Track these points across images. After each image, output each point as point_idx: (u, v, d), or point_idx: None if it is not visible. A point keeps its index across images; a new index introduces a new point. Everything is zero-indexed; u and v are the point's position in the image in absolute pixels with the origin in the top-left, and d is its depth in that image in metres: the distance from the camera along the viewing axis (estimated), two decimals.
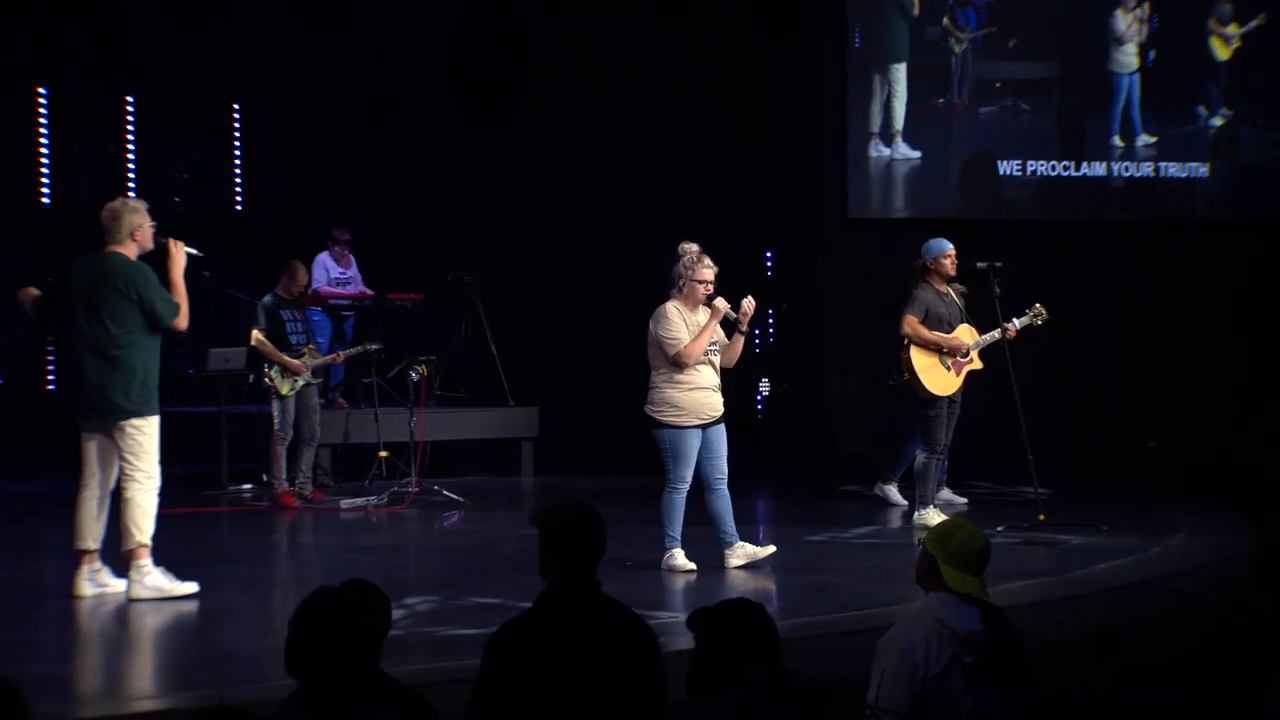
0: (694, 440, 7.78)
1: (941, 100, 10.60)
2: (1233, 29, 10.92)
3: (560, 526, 4.25)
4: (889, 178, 10.66)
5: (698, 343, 7.69)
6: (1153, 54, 11.12)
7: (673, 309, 7.76)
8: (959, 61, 10.62)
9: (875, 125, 10.67)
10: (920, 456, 9.40)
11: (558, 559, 4.21)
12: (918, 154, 10.66)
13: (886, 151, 10.58)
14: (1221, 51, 11.08)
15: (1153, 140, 11.49)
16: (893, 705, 4.19)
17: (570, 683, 4.05)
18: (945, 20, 10.27)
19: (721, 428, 7.92)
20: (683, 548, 7.81)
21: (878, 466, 10.43)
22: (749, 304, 7.83)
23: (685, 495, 7.82)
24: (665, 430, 7.77)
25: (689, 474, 7.79)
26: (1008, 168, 11.59)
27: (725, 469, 7.91)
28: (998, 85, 10.72)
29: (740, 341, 7.90)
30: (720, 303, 7.77)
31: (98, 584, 7.16)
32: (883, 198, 10.97)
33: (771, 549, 8.05)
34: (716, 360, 7.84)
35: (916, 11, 10.30)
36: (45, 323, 9.60)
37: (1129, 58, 10.99)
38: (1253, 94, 11.50)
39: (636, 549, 7.75)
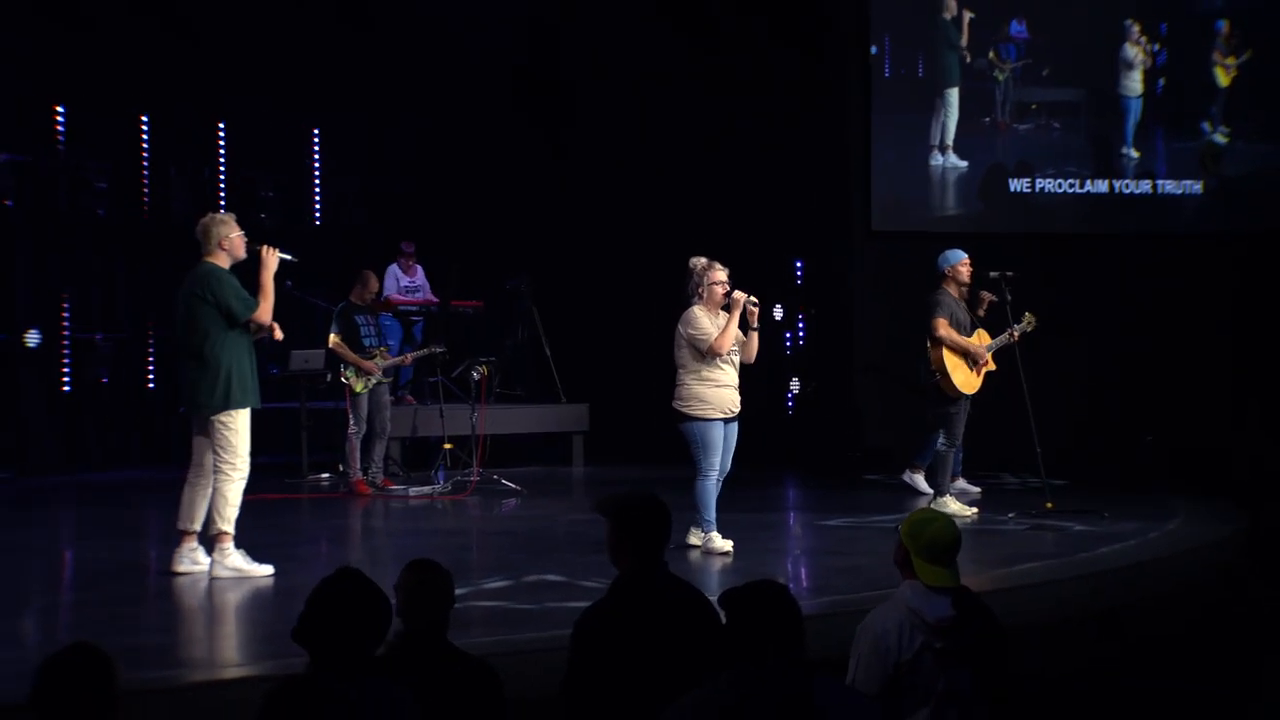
0: (719, 431, 7.81)
1: (987, 119, 11.33)
2: (1230, 60, 11.48)
3: (633, 516, 4.25)
4: (944, 182, 11.27)
5: (726, 335, 7.71)
6: (1162, 81, 11.66)
7: (698, 310, 7.81)
8: (1002, 87, 11.32)
9: (935, 139, 11.24)
10: (940, 450, 9.37)
11: (632, 545, 4.22)
12: (965, 164, 11.28)
13: (941, 160, 11.19)
14: (1223, 79, 11.61)
15: (1152, 157, 11.96)
16: (865, 688, 4.14)
17: (651, 655, 4.05)
18: (990, 53, 11.06)
19: (736, 425, 7.93)
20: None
21: (903, 456, 10.37)
22: (744, 299, 7.77)
23: (716, 481, 7.81)
24: (694, 423, 7.79)
25: (718, 461, 7.81)
26: (1018, 185, 11.97)
27: (729, 462, 7.92)
28: (1033, 107, 11.46)
29: (755, 338, 7.90)
30: (739, 294, 7.78)
31: (194, 562, 7.22)
32: (940, 198, 11.49)
33: (730, 544, 7.82)
34: (737, 360, 7.86)
35: (965, 42, 10.96)
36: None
37: (1135, 83, 11.55)
38: (1247, 114, 11.93)
39: (680, 533, 7.73)
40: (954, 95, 11.26)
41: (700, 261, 7.95)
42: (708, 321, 7.77)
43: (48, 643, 6.29)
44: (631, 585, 4.21)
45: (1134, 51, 11.41)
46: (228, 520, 7.14)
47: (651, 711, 3.85)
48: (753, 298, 7.85)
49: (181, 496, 7.26)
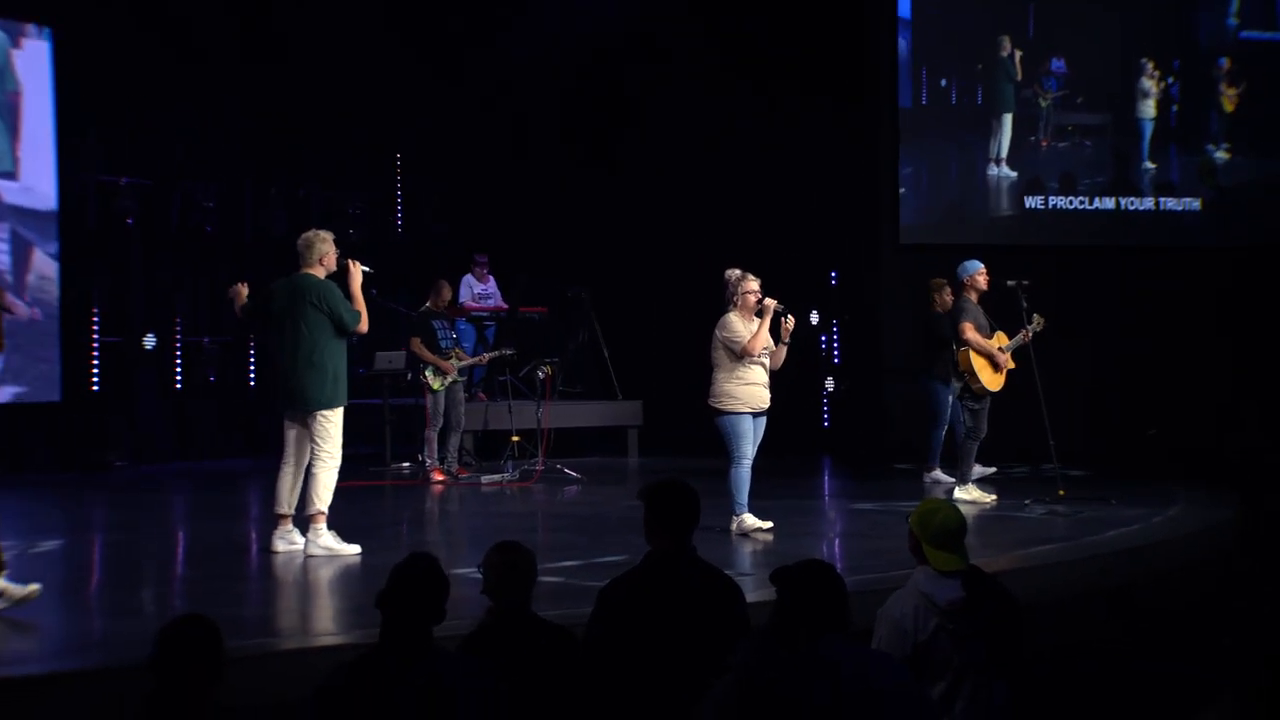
0: (749, 424, 7.79)
1: (1033, 138, 11.94)
2: (1231, 91, 12.11)
3: (664, 500, 4.23)
4: (999, 189, 11.89)
5: (757, 338, 7.71)
6: (1175, 107, 12.23)
7: (733, 316, 7.81)
8: (1045, 113, 11.93)
9: (992, 154, 11.79)
10: (964, 442, 9.29)
11: (661, 527, 4.21)
12: (1015, 174, 11.88)
13: (996, 171, 11.83)
14: (1228, 106, 12.22)
15: (1165, 170, 12.43)
16: None
17: (669, 627, 4.02)
18: (1035, 85, 11.79)
19: (764, 419, 7.90)
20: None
21: (922, 454, 10.33)
22: (774, 305, 7.79)
23: (748, 469, 7.79)
24: (726, 417, 7.78)
25: (749, 450, 7.78)
26: (1032, 202, 12.17)
27: (755, 452, 7.87)
28: (1069, 128, 12.06)
29: (783, 350, 7.88)
30: (770, 301, 7.79)
31: (289, 542, 7.26)
32: (995, 203, 11.98)
33: (770, 524, 7.82)
34: (767, 362, 7.83)
35: (1019, 77, 11.72)
36: (249, 325, 9.69)
37: (1150, 109, 12.13)
38: (1245, 134, 12.33)
39: (724, 518, 7.73)
40: (1008, 119, 11.85)
41: (735, 273, 7.95)
42: (741, 326, 7.77)
43: (162, 613, 6.36)
44: (659, 561, 4.19)
45: (1149, 84, 12.10)
46: (323, 501, 7.20)
47: (663, 675, 3.85)
48: (788, 314, 7.82)
49: (276, 484, 7.32)
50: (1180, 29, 12.13)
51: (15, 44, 11.28)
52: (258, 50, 12.22)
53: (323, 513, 7.21)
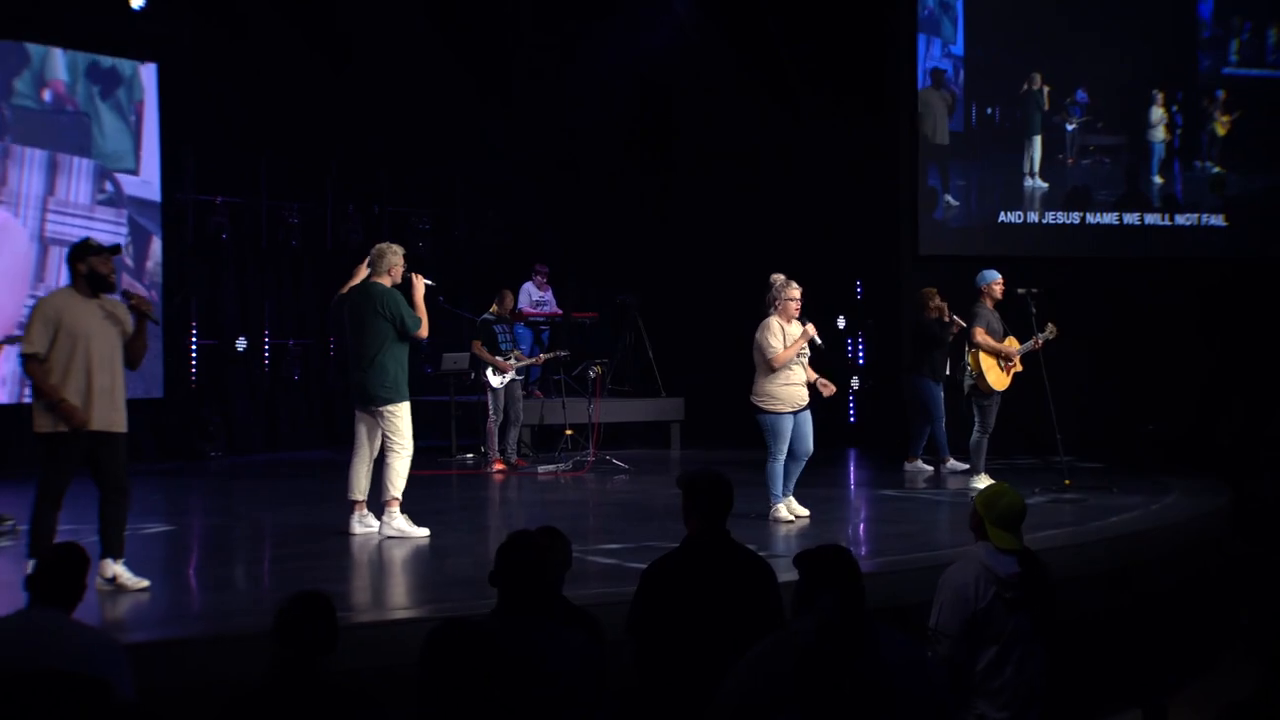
0: (788, 422, 7.70)
1: (1060, 156, 12.30)
2: (1225, 118, 12.45)
3: (700, 488, 4.23)
4: (1034, 198, 12.27)
5: (788, 351, 7.64)
6: (1179, 132, 12.53)
7: (774, 322, 7.73)
8: (1071, 135, 12.29)
9: (1026, 169, 12.22)
10: (975, 436, 9.25)
11: (697, 512, 4.21)
12: (1046, 185, 12.25)
13: (1031, 183, 12.24)
14: (1221, 130, 12.49)
15: (1171, 185, 12.66)
16: (948, 629, 4.19)
17: (705, 603, 4.02)
18: (1063, 112, 12.26)
19: (807, 413, 7.82)
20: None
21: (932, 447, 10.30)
22: (810, 333, 7.77)
23: (784, 462, 7.74)
24: (766, 415, 7.71)
25: (785, 447, 7.72)
26: (1055, 216, 12.42)
27: (809, 446, 7.82)
28: (1091, 148, 12.40)
29: (811, 373, 7.83)
30: (810, 328, 7.75)
31: (365, 525, 7.33)
32: (1030, 209, 12.34)
33: (807, 512, 7.82)
34: (804, 360, 7.78)
35: (1047, 107, 12.15)
36: (332, 327, 9.72)
37: (1160, 133, 12.46)
38: (1235, 155, 12.59)
39: (761, 504, 7.73)
40: (1037, 140, 12.27)
41: (779, 278, 7.87)
42: (780, 332, 7.69)
43: (253, 589, 6.50)
44: (696, 544, 4.19)
45: (1159, 112, 12.44)
46: (396, 488, 7.26)
47: (699, 647, 3.85)
48: (818, 339, 7.79)
49: (350, 473, 7.39)
50: (1183, 65, 12.43)
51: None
52: (338, 83, 12.30)
53: (396, 499, 7.28)
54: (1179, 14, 12.34)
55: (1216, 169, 12.53)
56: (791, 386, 7.72)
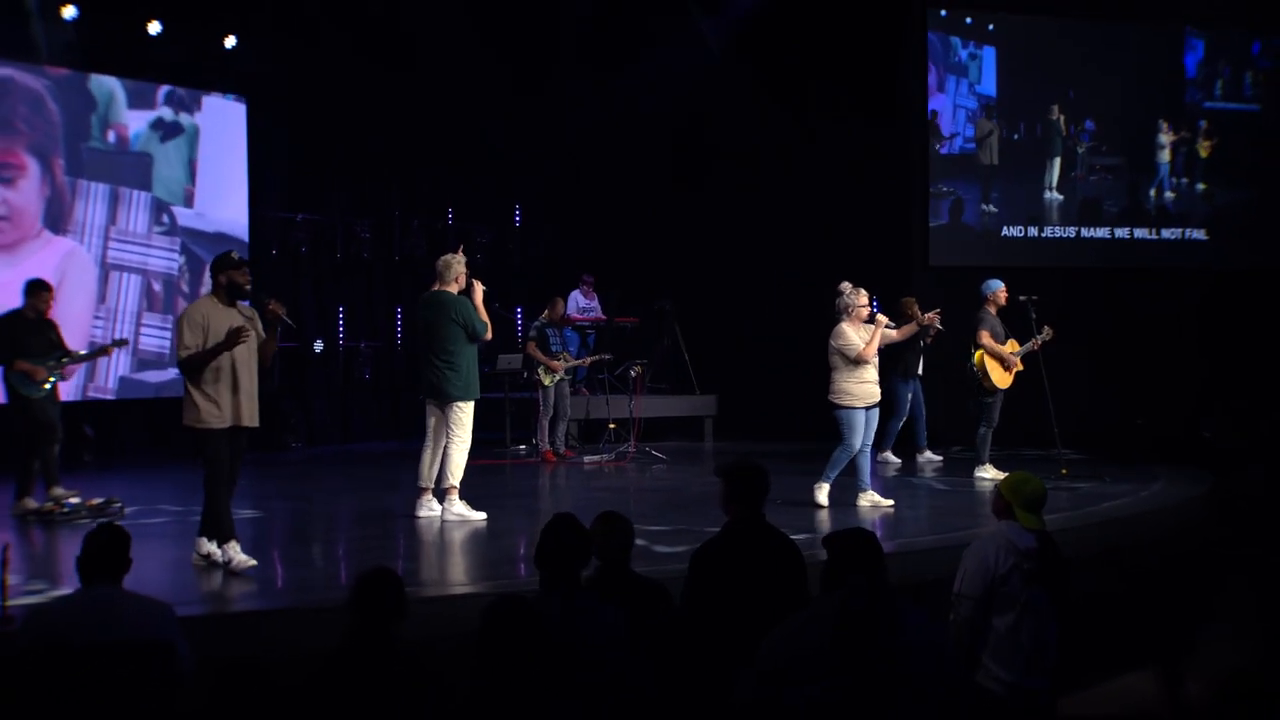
0: (862, 416, 7.68)
1: (1073, 174, 12.59)
2: (1206, 143, 12.74)
3: (740, 477, 4.24)
4: (1052, 209, 12.57)
5: (870, 346, 7.64)
6: (1170, 156, 12.81)
7: (847, 327, 7.70)
8: (1081, 156, 12.59)
9: (1047, 184, 12.52)
10: (980, 430, 9.24)
11: (737, 499, 4.23)
12: (1061, 196, 12.54)
13: (1049, 195, 12.52)
14: (1204, 153, 12.75)
15: (1172, 199, 12.88)
16: (971, 593, 4.20)
17: (746, 581, 4.06)
18: (1075, 139, 12.60)
19: (876, 410, 7.84)
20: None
21: (948, 436, 10.26)
22: (884, 321, 7.83)
23: (851, 454, 7.69)
24: (843, 410, 7.68)
25: (858, 440, 7.69)
26: (1066, 231, 12.57)
27: (872, 437, 7.83)
28: (1098, 167, 12.67)
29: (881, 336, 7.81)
30: (881, 317, 7.75)
31: (429, 509, 7.39)
32: (1046, 217, 12.61)
33: (891, 502, 7.86)
34: (876, 362, 7.79)
35: (1065, 134, 12.53)
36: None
37: (1165, 155, 12.75)
38: (1216, 175, 12.84)
39: (787, 491, 7.68)
40: (1057, 161, 12.55)
41: (847, 286, 7.82)
42: (854, 334, 7.67)
43: (329, 567, 6.59)
44: (736, 528, 4.21)
45: (1166, 138, 12.77)
46: (456, 477, 7.32)
47: (744, 616, 3.86)
48: (880, 317, 7.85)
49: (420, 462, 7.46)
50: (1173, 99, 12.74)
51: (199, 107, 11.63)
52: (405, 113, 12.40)
53: (455, 486, 7.34)
54: (1171, 59, 12.79)
55: (1202, 185, 12.75)
56: (866, 385, 7.70)
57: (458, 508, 7.34)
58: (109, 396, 10.98)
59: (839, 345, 7.68)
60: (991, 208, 12.40)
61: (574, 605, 3.58)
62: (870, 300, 7.93)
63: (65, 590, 4.87)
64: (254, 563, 5.90)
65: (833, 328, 7.79)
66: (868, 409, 7.72)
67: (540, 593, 3.65)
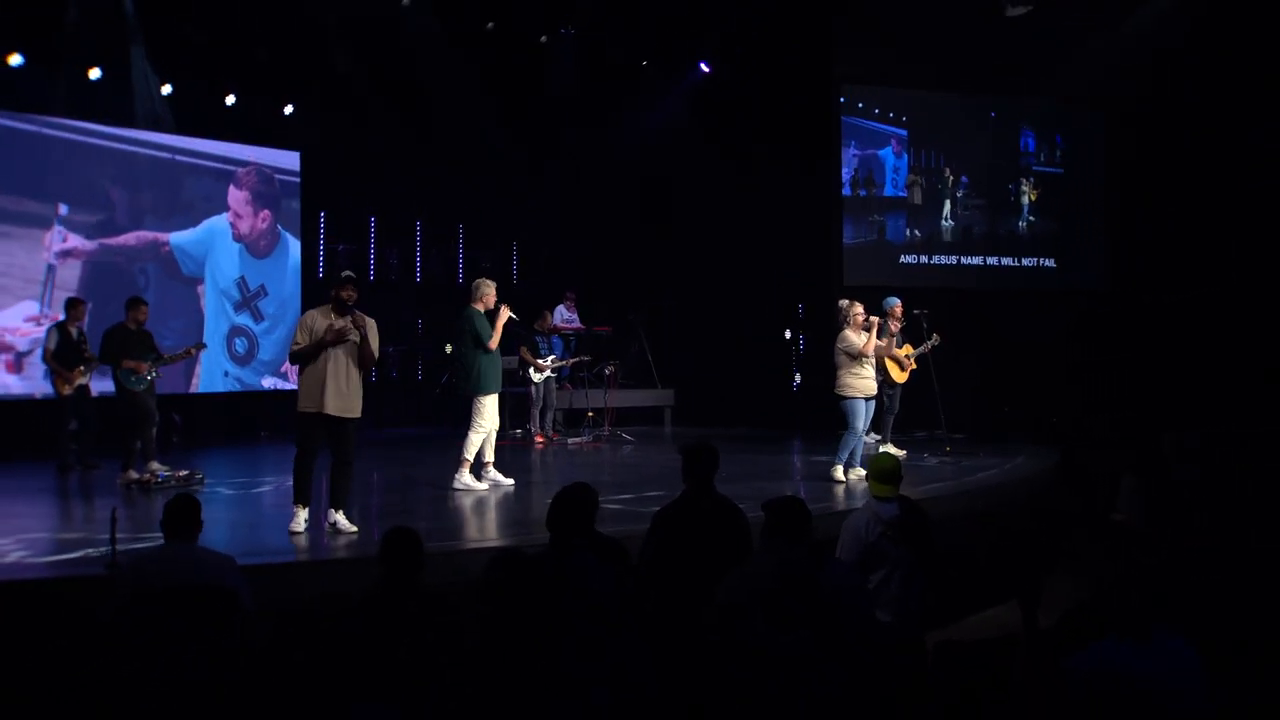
0: (862, 405, 7.45)
1: (953, 212, 12.62)
2: (1034, 193, 12.97)
3: (692, 454, 4.22)
4: (945, 235, 12.58)
5: (870, 344, 7.46)
6: (1036, 195, 13.02)
7: (849, 332, 7.53)
8: (959, 201, 12.66)
9: (942, 219, 12.59)
10: (885, 417, 9.27)
11: (692, 472, 4.21)
12: (952, 223, 12.63)
13: (945, 224, 12.59)
14: (1031, 198, 13.00)
15: (1028, 233, 12.98)
16: (848, 557, 4.24)
17: (699, 539, 4.04)
18: (955, 189, 12.65)
19: (873, 401, 7.60)
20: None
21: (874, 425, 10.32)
22: (878, 321, 7.64)
23: (856, 437, 7.46)
24: (846, 400, 7.45)
25: (861, 425, 7.48)
26: (944, 258, 12.58)
27: (867, 424, 7.63)
28: (969, 209, 12.71)
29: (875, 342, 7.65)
30: (874, 319, 7.64)
31: (462, 483, 7.34)
32: (936, 249, 12.56)
33: (863, 471, 7.47)
34: (873, 360, 7.60)
35: (951, 185, 12.50)
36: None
37: (1026, 199, 12.92)
38: (1039, 214, 13.01)
39: (734, 467, 7.59)
40: (948, 204, 12.54)
41: (844, 302, 7.68)
42: (855, 337, 7.49)
43: (365, 527, 6.46)
44: (691, 496, 4.20)
45: (1026, 188, 12.93)
46: (469, 455, 7.32)
47: (693, 572, 3.85)
48: (873, 318, 7.69)
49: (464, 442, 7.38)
50: (1013, 161, 12.94)
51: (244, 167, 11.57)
52: (424, 160, 12.40)
53: (467, 460, 7.33)
54: (1011, 139, 12.97)
55: (1031, 218, 13.09)
56: (867, 379, 7.50)
57: (465, 479, 7.32)
58: (194, 391, 10.92)
59: (843, 346, 7.47)
60: (895, 239, 12.42)
61: (574, 560, 3.56)
62: (865, 311, 7.74)
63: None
64: (352, 529, 5.78)
65: (836, 335, 7.62)
66: (867, 400, 7.51)
67: (551, 547, 3.58)
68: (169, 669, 3.30)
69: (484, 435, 7.37)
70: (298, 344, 5.78)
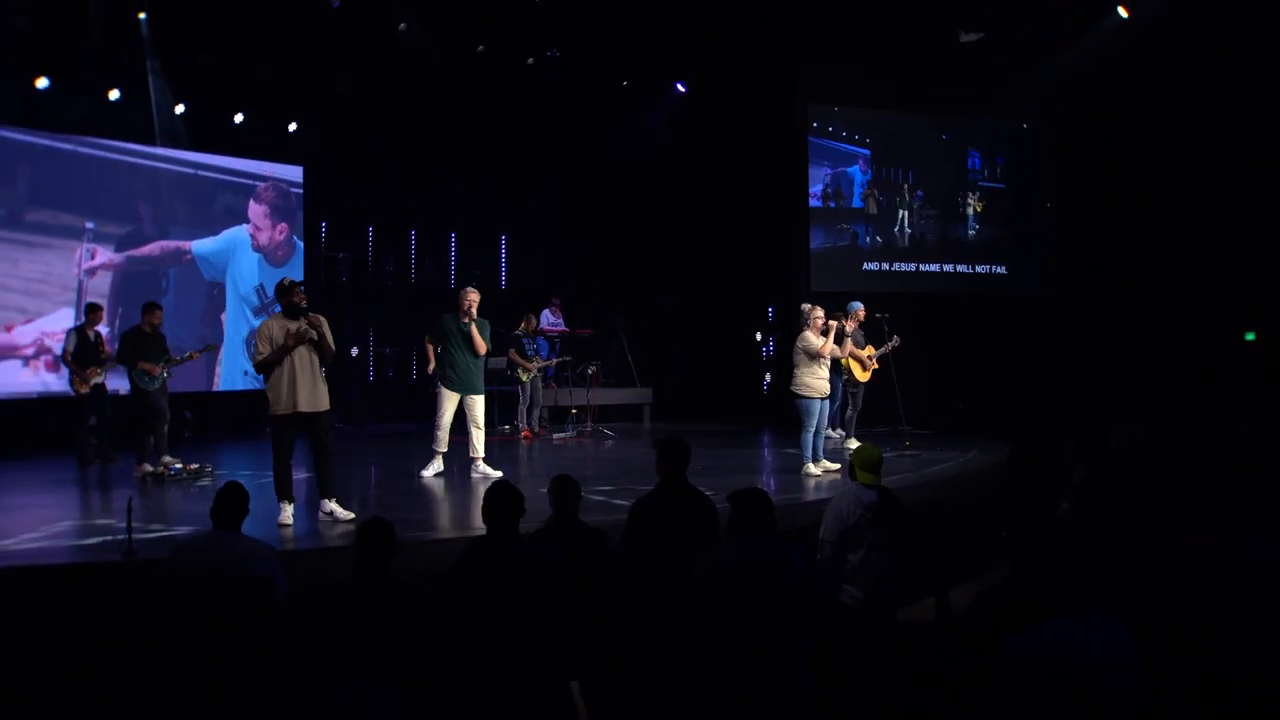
0: (819, 404, 7.37)
1: (909, 222, 12.64)
2: (980, 205, 13.04)
3: (666, 448, 4.24)
4: (901, 241, 12.56)
5: (827, 345, 7.40)
6: (981, 207, 13.05)
7: (809, 334, 7.49)
8: (916, 214, 12.67)
9: (896, 229, 12.53)
10: (849, 412, 9.32)
11: (666, 465, 4.23)
12: (911, 230, 12.60)
13: (900, 232, 12.57)
14: (978, 209, 13.05)
15: (976, 242, 13.00)
16: (830, 538, 4.24)
17: (673, 526, 4.07)
18: (911, 201, 12.65)
19: (828, 400, 7.54)
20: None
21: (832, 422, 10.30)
22: (835, 325, 7.67)
23: (813, 435, 7.36)
24: (803, 400, 7.38)
25: (814, 423, 7.39)
26: (904, 266, 12.59)
27: (826, 421, 7.62)
28: (923, 220, 12.70)
29: (833, 345, 7.61)
30: (833, 321, 7.59)
31: (476, 471, 7.46)
32: (894, 257, 12.51)
33: (838, 465, 7.42)
34: (828, 364, 7.54)
35: (908, 199, 12.56)
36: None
37: (971, 211, 12.95)
38: (985, 222, 13.03)
39: (706, 460, 7.67)
40: (904, 215, 12.52)
41: (806, 306, 7.61)
42: (814, 338, 7.42)
43: (359, 515, 6.47)
44: (666, 487, 4.22)
45: (971, 200, 12.93)
46: (478, 450, 7.43)
47: (668, 557, 3.86)
48: (832, 321, 7.64)
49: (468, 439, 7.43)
50: (961, 177, 12.96)
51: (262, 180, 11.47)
52: (418, 172, 12.32)
53: (479, 455, 7.46)
54: (960, 157, 12.98)
55: (978, 227, 13.15)
56: (822, 380, 7.42)
57: (482, 469, 7.44)
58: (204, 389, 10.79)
59: (803, 346, 7.39)
60: (862, 246, 12.45)
61: (518, 548, 3.54)
62: (825, 314, 7.72)
63: (179, 530, 5.06)
64: (349, 515, 5.74)
65: (797, 336, 7.61)
66: (822, 399, 7.45)
67: (489, 540, 3.57)
68: (177, 659, 3.23)
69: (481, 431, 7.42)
70: (260, 353, 5.73)
